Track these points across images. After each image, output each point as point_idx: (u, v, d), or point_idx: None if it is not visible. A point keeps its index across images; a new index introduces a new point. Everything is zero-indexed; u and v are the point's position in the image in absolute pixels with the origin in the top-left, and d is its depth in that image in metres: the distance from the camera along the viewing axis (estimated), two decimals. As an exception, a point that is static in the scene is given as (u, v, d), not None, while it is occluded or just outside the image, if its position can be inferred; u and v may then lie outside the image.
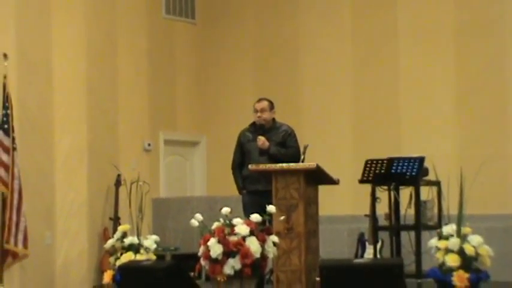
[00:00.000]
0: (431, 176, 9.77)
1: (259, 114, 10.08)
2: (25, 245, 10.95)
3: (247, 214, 8.93)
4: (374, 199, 10.13)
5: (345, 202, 11.46)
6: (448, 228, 8.28)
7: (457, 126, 12.49)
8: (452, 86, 12.57)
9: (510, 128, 12.20)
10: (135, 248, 9.19)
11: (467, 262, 8.12)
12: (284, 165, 9.12)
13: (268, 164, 9.29)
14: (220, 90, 13.97)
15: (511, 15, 12.28)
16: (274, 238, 8.40)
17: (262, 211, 8.41)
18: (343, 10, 13.23)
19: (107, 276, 9.46)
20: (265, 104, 10.12)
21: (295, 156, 9.77)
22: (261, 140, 9.88)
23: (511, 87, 12.25)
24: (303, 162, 9.05)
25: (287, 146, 9.93)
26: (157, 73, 13.47)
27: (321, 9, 13.37)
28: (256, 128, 10.07)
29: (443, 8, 12.63)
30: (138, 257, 9.12)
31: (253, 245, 8.22)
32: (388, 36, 12.96)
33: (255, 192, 9.68)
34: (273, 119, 10.18)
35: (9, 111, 10.90)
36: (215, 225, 8.40)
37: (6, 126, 10.87)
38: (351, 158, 12.12)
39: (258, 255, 8.23)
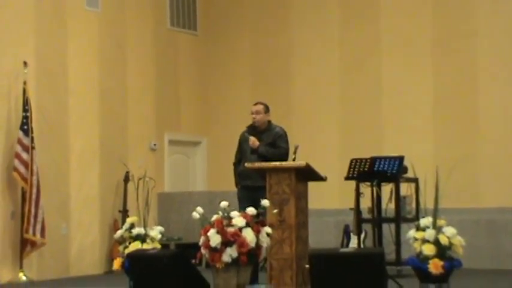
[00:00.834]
0: (410, 174, 9.82)
1: (254, 115, 10.09)
2: (43, 235, 10.97)
3: (241, 206, 8.96)
4: (358, 194, 10.19)
5: (332, 197, 11.48)
6: (425, 221, 8.29)
7: (434, 129, 12.51)
8: (430, 93, 12.59)
9: (480, 131, 12.22)
10: (142, 238, 9.18)
11: (442, 251, 8.14)
12: (277, 163, 9.12)
13: (263, 163, 9.32)
14: (220, 95, 13.97)
15: (483, 30, 12.31)
16: (267, 229, 8.41)
17: (253, 204, 8.40)
18: (332, 23, 13.22)
19: (117, 263, 9.48)
20: (260, 107, 10.10)
21: (283, 155, 9.72)
22: (251, 140, 9.85)
23: (481, 94, 12.27)
24: (294, 160, 9.06)
25: (276, 146, 9.92)
26: (163, 79, 13.48)
27: (311, 22, 13.36)
28: (252, 129, 10.08)
29: (422, 22, 12.64)
30: (145, 246, 9.12)
31: (248, 235, 8.23)
32: (372, 47, 12.96)
33: (246, 187, 9.66)
34: (269, 121, 10.17)
35: (28, 114, 10.93)
36: (214, 217, 8.41)
37: (25, 127, 10.89)
38: (337, 157, 12.15)
39: (253, 245, 8.25)
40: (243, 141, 10.12)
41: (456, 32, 12.47)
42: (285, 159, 9.64)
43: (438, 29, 12.58)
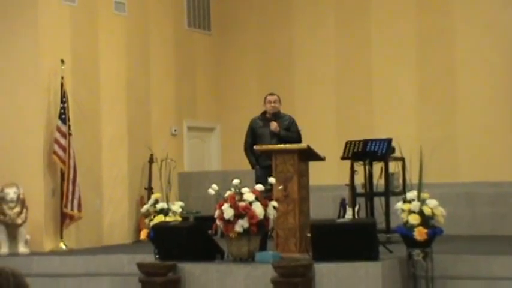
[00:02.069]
0: (397, 154, 9.82)
1: (272, 104, 10.06)
2: (79, 210, 10.99)
3: (261, 184, 8.86)
4: (352, 172, 10.18)
5: (330, 174, 11.48)
6: (411, 194, 8.31)
7: (418, 114, 12.49)
8: (414, 83, 12.57)
9: (458, 115, 12.22)
10: (165, 212, 9.20)
11: (426, 220, 8.16)
12: (282, 146, 9.15)
13: (269, 145, 9.33)
14: (231, 86, 13.94)
15: (461, 27, 12.27)
16: (274, 203, 8.44)
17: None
18: (328, 23, 13.17)
19: (143, 234, 9.51)
20: (275, 97, 10.11)
21: (298, 139, 9.81)
22: (274, 125, 9.85)
23: (459, 84, 12.25)
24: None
25: (291, 131, 9.93)
26: (181, 73, 13.47)
27: (309, 22, 13.32)
28: (266, 117, 10.05)
29: (407, 21, 12.60)
30: (168, 219, 9.14)
31: (258, 208, 8.26)
32: (363, 43, 12.92)
33: (266, 167, 9.54)
34: (278, 110, 10.19)
35: (65, 105, 10.93)
36: (228, 193, 8.44)
37: (63, 116, 10.90)
38: (334, 140, 12.14)
39: (261, 217, 8.28)
40: (256, 127, 10.09)
41: (437, 30, 12.45)
42: (299, 141, 9.66)
43: (421, 27, 12.55)
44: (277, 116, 9.98)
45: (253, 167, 10.04)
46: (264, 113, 10.09)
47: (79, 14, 11.60)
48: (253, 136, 10.07)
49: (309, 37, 13.34)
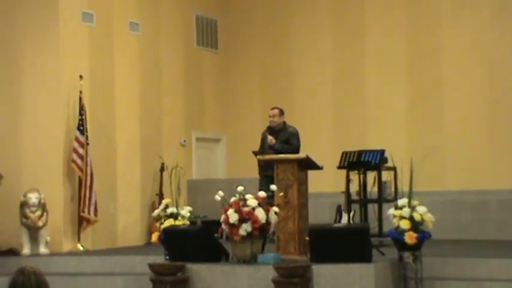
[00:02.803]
0: (389, 164, 9.82)
1: (271, 118, 10.11)
2: (95, 214, 10.98)
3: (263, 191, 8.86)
4: (348, 180, 10.16)
5: (327, 182, 11.44)
6: (402, 201, 8.29)
7: (408, 127, 12.47)
8: (405, 98, 12.54)
9: (445, 129, 12.20)
10: (175, 216, 9.19)
11: (416, 225, 8.14)
12: (283, 156, 9.15)
13: (272, 155, 9.33)
14: (236, 100, 13.92)
15: (447, 47, 12.29)
16: (275, 209, 8.43)
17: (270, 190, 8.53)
18: (324, 42, 13.18)
19: (155, 236, 9.55)
20: (276, 111, 10.16)
21: (294, 150, 9.79)
22: (269, 139, 9.92)
23: (446, 99, 12.24)
24: (296, 154, 9.05)
25: (289, 143, 9.95)
26: (190, 88, 13.46)
27: (308, 40, 13.29)
28: (271, 130, 10.11)
29: (398, 40, 12.60)
30: (177, 223, 9.13)
31: (260, 213, 8.25)
32: (358, 60, 12.90)
33: (266, 176, 9.59)
34: (284, 122, 10.18)
35: (83, 117, 10.94)
36: (232, 199, 8.44)
37: (81, 127, 10.90)
38: (331, 150, 12.08)
39: (264, 221, 8.28)
40: (263, 139, 10.16)
41: (426, 49, 12.44)
42: (297, 153, 9.65)
43: (411, 46, 12.55)
44: (278, 129, 10.00)
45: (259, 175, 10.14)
46: (269, 126, 10.16)
47: (96, 34, 11.62)
48: (262, 147, 10.12)
49: (307, 55, 13.33)
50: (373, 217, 9.84)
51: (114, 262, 9.92)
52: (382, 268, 8.17)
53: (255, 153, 10.07)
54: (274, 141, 9.87)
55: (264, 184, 9.43)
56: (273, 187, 8.55)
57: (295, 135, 10.02)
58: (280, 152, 9.56)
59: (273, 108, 10.20)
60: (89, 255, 10.49)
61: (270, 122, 10.06)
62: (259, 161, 10.03)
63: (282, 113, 10.16)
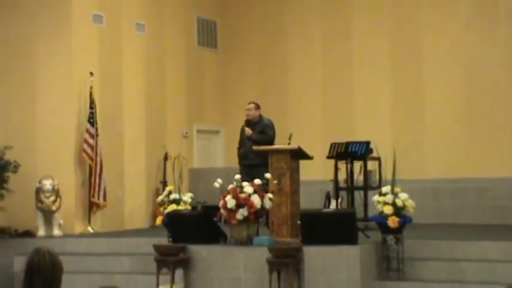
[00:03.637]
0: (374, 154, 9.82)
1: (247, 112, 10.20)
2: (104, 199, 11.00)
3: (243, 179, 8.84)
4: (336, 169, 10.16)
5: (317, 171, 11.42)
6: (385, 189, 8.29)
7: (392, 121, 12.47)
8: (389, 94, 12.55)
9: (425, 123, 12.23)
10: (177, 201, 9.16)
11: (398, 210, 8.14)
12: (276, 146, 9.14)
13: (267, 146, 9.29)
14: (234, 96, 13.87)
15: (428, 47, 12.29)
16: (269, 195, 8.41)
17: (250, 177, 8.50)
18: (316, 44, 13.15)
19: (159, 220, 9.47)
20: (252, 105, 10.25)
21: (269, 140, 9.88)
22: (246, 130, 10.04)
23: (426, 96, 12.26)
24: (289, 144, 9.04)
25: (265, 133, 10.03)
26: (192, 84, 13.43)
27: (300, 43, 13.27)
28: (248, 123, 10.18)
29: (382, 42, 12.60)
30: (179, 207, 9.13)
31: (256, 199, 8.25)
32: (346, 61, 12.89)
33: (244, 165, 9.81)
34: (260, 115, 10.24)
35: (93, 110, 10.94)
36: (230, 186, 8.43)
37: (92, 120, 10.91)
38: (321, 142, 12.07)
39: (259, 207, 8.27)
40: (242, 132, 10.24)
41: (408, 50, 12.46)
42: (272, 142, 9.72)
43: (395, 47, 12.56)
44: (254, 121, 10.09)
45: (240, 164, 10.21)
46: (246, 119, 10.23)
47: (106, 34, 11.59)
48: (242, 139, 10.21)
49: (299, 55, 13.32)
50: (359, 203, 9.85)
51: (121, 243, 9.93)
52: (367, 249, 8.18)
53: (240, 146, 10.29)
54: (251, 132, 9.94)
55: (243, 172, 9.47)
56: (268, 175, 8.54)
57: (269, 125, 10.10)
58: (258, 142, 9.65)
59: (249, 103, 10.32)
60: (98, 237, 10.49)
61: (246, 115, 10.14)
62: (238, 151, 10.19)
63: (257, 107, 10.23)
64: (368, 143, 10.07)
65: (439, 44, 12.22)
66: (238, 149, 10.32)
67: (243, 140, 10.12)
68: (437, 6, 12.30)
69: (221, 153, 14.04)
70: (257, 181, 8.38)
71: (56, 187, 10.52)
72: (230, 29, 13.97)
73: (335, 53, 13.01)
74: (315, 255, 7.97)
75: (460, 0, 12.16)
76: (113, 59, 11.75)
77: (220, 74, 14.00)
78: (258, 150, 9.19)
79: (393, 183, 8.24)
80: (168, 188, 9.57)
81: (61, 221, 10.61)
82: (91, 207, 10.97)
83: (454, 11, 12.17)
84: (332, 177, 10.13)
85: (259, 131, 10.01)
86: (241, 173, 9.56)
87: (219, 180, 8.55)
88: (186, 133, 13.19)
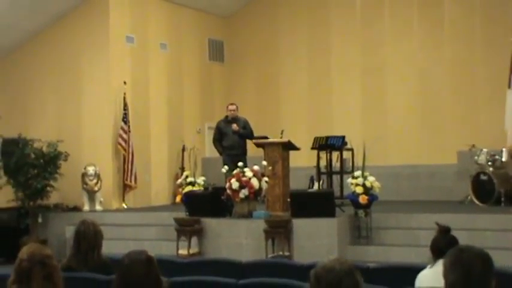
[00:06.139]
0: (348, 146, 9.82)
1: (232, 112, 10.03)
2: (135, 182, 10.99)
3: (229, 167, 8.76)
4: (318, 158, 10.15)
5: (303, 159, 11.39)
6: (357, 173, 8.32)
7: (362, 120, 12.44)
8: (360, 98, 12.50)
9: (389, 121, 12.22)
10: (193, 184, 9.21)
11: (367, 190, 8.18)
12: (271, 140, 9.10)
13: (263, 139, 9.23)
14: (237, 100, 13.48)
15: (390, 61, 12.29)
16: (266, 178, 8.45)
17: (235, 165, 8.43)
18: (302, 56, 13.11)
19: (178, 198, 9.53)
20: (234, 106, 10.15)
21: (251, 133, 9.81)
22: (234, 126, 9.84)
23: (389, 100, 12.25)
24: (281, 138, 9.01)
25: (246, 129, 9.93)
26: (204, 91, 13.37)
27: (291, 59, 13.27)
28: (228, 120, 9.99)
29: (353, 56, 12.59)
30: (194, 188, 9.16)
31: (255, 182, 8.27)
32: (326, 71, 12.87)
33: (230, 155, 9.64)
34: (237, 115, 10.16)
35: (126, 112, 10.92)
36: (234, 171, 8.45)
37: (125, 119, 10.90)
38: (306, 136, 12.04)
39: (257, 187, 8.30)
40: (221, 127, 10.01)
41: (374, 63, 12.45)
42: (253, 135, 9.66)
43: (364, 60, 12.54)
44: (235, 119, 9.99)
45: (220, 154, 10.01)
46: (226, 117, 10.10)
47: (136, 51, 11.57)
48: (220, 133, 10.03)
49: (289, 67, 13.28)
50: (337, 184, 9.85)
51: (149, 216, 9.95)
52: (342, 221, 8.21)
53: (215, 140, 10.11)
54: (237, 127, 9.87)
55: (229, 160, 9.39)
56: (264, 163, 8.54)
57: (248, 122, 10.05)
58: (243, 136, 9.69)
59: (232, 104, 10.21)
60: (130, 211, 10.52)
61: (231, 114, 9.99)
62: (219, 143, 9.91)
63: (237, 107, 10.18)
64: (343, 137, 10.07)
65: (399, 59, 12.23)
66: (218, 140, 10.00)
67: (226, 134, 9.94)
68: (397, 30, 12.32)
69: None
70: (256, 167, 8.39)
71: (97, 172, 10.53)
72: (234, 48, 13.96)
73: (317, 65, 13.01)
74: (301, 226, 8.00)
75: (414, 25, 12.19)
76: (142, 71, 11.73)
77: (227, 83, 13.96)
78: (257, 143, 9.17)
79: (363, 169, 8.27)
80: (185, 173, 9.60)
81: (101, 199, 10.63)
82: (125, 188, 10.97)
83: (410, 32, 12.21)
84: (315, 164, 10.14)
85: (242, 126, 9.96)
86: (225, 162, 9.49)
87: (226, 166, 8.57)
88: (200, 129, 13.17)
